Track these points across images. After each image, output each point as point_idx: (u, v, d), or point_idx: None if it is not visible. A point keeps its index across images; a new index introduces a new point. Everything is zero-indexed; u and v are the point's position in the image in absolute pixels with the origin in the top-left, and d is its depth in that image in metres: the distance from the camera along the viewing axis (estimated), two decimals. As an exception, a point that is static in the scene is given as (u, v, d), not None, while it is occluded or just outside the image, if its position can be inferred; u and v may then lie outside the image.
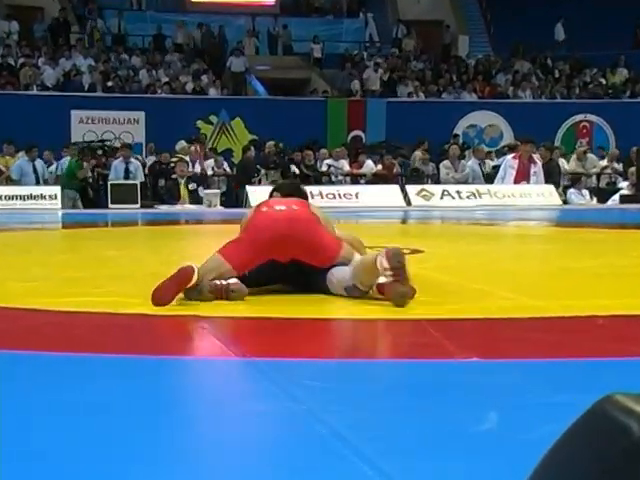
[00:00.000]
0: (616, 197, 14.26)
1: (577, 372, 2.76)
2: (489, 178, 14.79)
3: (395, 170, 16.11)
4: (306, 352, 3.07)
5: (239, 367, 2.84)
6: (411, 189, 14.09)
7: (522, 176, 13.29)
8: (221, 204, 13.50)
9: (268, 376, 2.63)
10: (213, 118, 18.68)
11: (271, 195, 4.56)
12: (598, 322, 3.58)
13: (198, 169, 14.55)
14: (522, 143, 13.59)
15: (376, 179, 15.52)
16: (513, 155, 13.71)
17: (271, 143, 15.04)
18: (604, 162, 16.41)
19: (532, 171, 13.23)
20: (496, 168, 14.70)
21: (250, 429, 2.15)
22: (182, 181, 13.25)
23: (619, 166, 16.13)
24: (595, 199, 14.85)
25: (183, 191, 13.21)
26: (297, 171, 15.38)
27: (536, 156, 13.51)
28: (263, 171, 14.82)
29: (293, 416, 2.21)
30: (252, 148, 15.35)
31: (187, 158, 14.13)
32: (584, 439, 1.02)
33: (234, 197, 14.47)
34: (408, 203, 13.72)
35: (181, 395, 2.48)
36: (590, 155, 16.65)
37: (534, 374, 2.73)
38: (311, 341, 3.33)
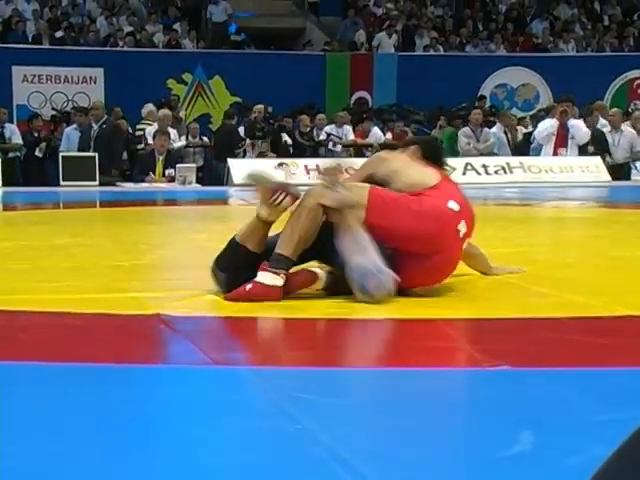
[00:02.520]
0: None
1: (631, 383, 2.76)
2: (518, 149, 14.80)
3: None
4: (300, 359, 3.08)
5: (219, 377, 2.85)
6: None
7: (561, 142, 13.40)
8: (198, 181, 13.49)
9: (256, 387, 2.62)
10: (187, 76, 18.65)
11: None
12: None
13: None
14: (560, 102, 13.74)
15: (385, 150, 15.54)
16: (552, 118, 13.81)
17: (259, 107, 15.02)
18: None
19: (570, 134, 13.45)
20: (528, 136, 14.72)
21: (237, 451, 2.15)
22: (161, 157, 13.23)
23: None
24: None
25: (160, 169, 13.20)
26: (290, 140, 15.37)
27: (575, 121, 13.68)
28: (248, 141, 14.81)
29: (287, 436, 2.21)
30: (235, 113, 15.32)
31: (155, 125, 14.10)
32: (636, 463, 1.02)
33: (213, 172, 14.47)
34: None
35: (151, 411, 2.48)
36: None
37: (578, 386, 2.73)
38: (305, 345, 3.33)
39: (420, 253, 4.01)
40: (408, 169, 4.27)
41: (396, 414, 2.43)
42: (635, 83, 20.22)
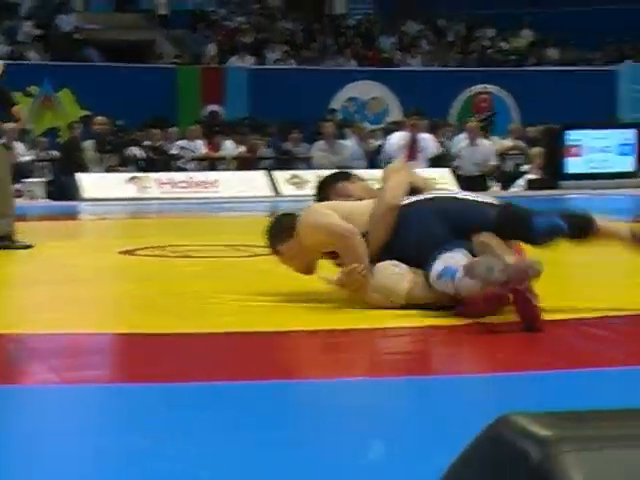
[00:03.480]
0: (521, 182, 14.75)
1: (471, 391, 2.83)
2: (374, 160, 15.04)
3: (260, 152, 16.16)
4: (154, 376, 3.06)
5: (68, 396, 2.80)
6: (280, 175, 14.16)
7: (412, 155, 13.66)
8: (47, 196, 13.21)
9: (112, 404, 2.59)
10: (34, 89, 18.23)
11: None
12: None
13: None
14: (409, 116, 14.05)
15: (238, 164, 15.53)
16: (402, 131, 14.04)
17: (101, 119, 14.63)
18: (508, 141, 16.92)
19: (420, 146, 13.74)
20: (378, 149, 14.97)
21: (87, 469, 2.12)
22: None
23: (525, 145, 16.66)
24: (499, 185, 15.31)
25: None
26: (141, 154, 15.20)
27: (424, 134, 14.00)
28: (97, 155, 14.55)
29: (135, 453, 2.19)
30: (80, 126, 15.04)
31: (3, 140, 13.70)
32: (480, 468, 1.06)
33: (63, 187, 14.18)
34: (277, 192, 13.78)
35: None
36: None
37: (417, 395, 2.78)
38: (157, 361, 3.31)
39: None
40: None
41: (266, 428, 2.43)
42: (479, 97, 20.84)
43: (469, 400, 2.76)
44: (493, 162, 14.74)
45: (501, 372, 3.11)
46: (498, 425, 1.05)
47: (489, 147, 14.84)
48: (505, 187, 15.06)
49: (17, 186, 12.89)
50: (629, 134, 14.83)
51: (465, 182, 14.03)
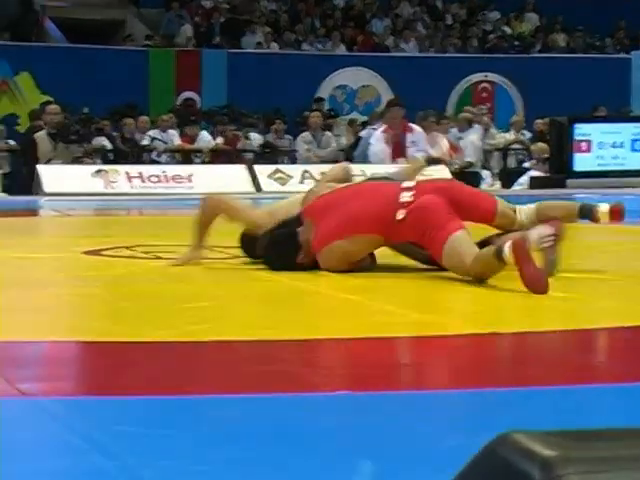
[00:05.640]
0: (524, 179, 14.76)
1: (476, 406, 2.83)
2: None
3: (240, 145, 16.15)
4: (121, 387, 3.05)
5: (23, 409, 2.79)
6: (262, 170, 14.15)
7: (398, 152, 13.29)
8: (4, 190, 13.17)
9: (66, 421, 2.58)
10: (-10, 72, 18.19)
11: None
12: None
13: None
14: (388, 107, 13.59)
15: (216, 157, 15.52)
16: (383, 128, 13.70)
17: (53, 107, 14.39)
18: (510, 135, 16.98)
19: (409, 141, 13.29)
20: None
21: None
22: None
23: (528, 139, 16.71)
24: (499, 183, 15.35)
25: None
26: (109, 145, 15.17)
27: (413, 125, 13.64)
28: (62, 145, 14.51)
29: (104, 475, 2.18)
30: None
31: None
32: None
33: (22, 180, 14.13)
34: (258, 188, 13.77)
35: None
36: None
37: (422, 411, 2.78)
38: (130, 372, 3.30)
39: None
40: None
41: (223, 443, 2.43)
42: (480, 86, 20.87)
43: (466, 416, 2.77)
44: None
45: (501, 387, 3.11)
46: (497, 443, 1.05)
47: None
48: (506, 185, 15.09)
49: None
50: (643, 128, 14.84)
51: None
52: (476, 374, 3.28)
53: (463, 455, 1.19)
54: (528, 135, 16.77)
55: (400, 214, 4.99)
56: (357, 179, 5.85)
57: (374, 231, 5.06)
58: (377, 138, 13.53)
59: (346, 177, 5.83)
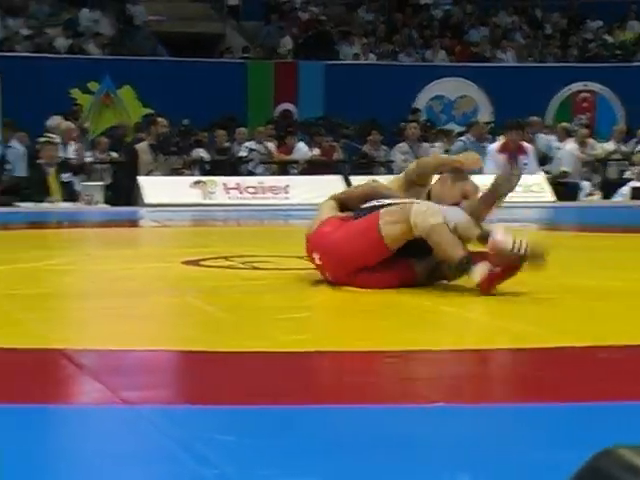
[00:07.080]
0: (625, 190, 14.53)
1: (578, 420, 2.79)
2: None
3: (336, 155, 16.18)
4: (217, 397, 3.07)
5: (125, 418, 2.82)
6: (358, 181, 14.14)
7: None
8: (106, 201, 13.37)
9: (166, 430, 2.61)
10: (93, 85, 18.51)
11: None
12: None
13: (73, 154, 14.36)
14: (508, 130, 13.74)
15: (312, 167, 15.57)
16: (498, 147, 13.70)
17: (162, 120, 14.69)
18: (610, 145, 16.70)
19: (522, 162, 13.33)
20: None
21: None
22: (51, 170, 13.12)
23: (629, 150, 16.43)
24: (599, 194, 15.13)
25: (53, 183, 13.08)
26: (206, 156, 15.32)
27: (527, 145, 13.74)
28: (162, 156, 14.70)
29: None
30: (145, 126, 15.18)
31: (58, 139, 13.97)
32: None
33: (123, 191, 14.33)
34: (354, 199, 13.76)
35: (45, 457, 2.45)
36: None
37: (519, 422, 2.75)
38: (227, 382, 3.33)
39: None
40: None
41: (320, 454, 2.43)
42: (579, 96, 20.58)
43: (567, 430, 2.73)
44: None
45: (603, 400, 3.06)
46: (601, 458, 1.03)
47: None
48: (607, 196, 14.88)
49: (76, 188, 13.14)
50: None
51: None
52: (576, 387, 3.24)
53: (565, 470, 1.18)
54: (634, 146, 16.48)
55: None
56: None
57: None
58: (491, 155, 13.54)
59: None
